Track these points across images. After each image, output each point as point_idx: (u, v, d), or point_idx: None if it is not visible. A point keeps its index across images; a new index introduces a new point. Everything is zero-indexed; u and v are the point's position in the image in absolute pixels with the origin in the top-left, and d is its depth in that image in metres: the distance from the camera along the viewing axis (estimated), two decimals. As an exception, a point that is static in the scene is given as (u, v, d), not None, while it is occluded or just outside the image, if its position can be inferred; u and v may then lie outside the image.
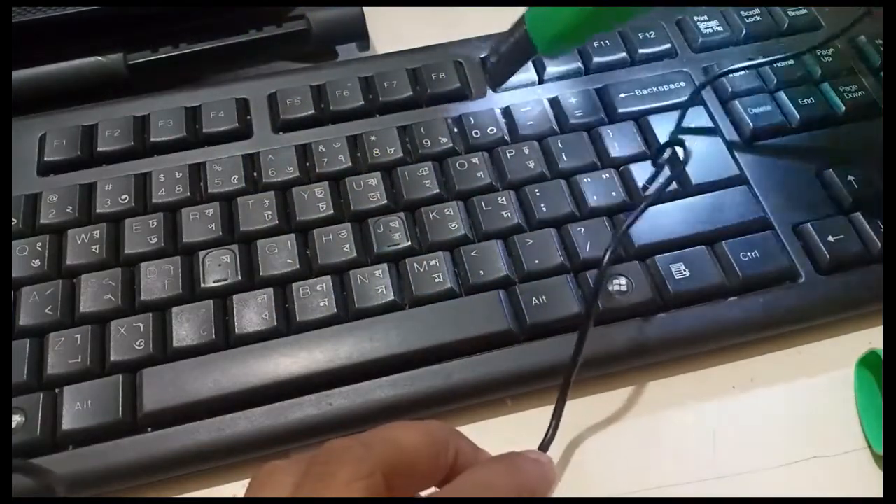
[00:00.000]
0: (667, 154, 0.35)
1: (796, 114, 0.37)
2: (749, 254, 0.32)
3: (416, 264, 0.32)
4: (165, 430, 0.29)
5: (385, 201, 0.34)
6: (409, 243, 0.33)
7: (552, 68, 0.39)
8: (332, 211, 0.34)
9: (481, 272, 0.32)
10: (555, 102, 0.38)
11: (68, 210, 0.34)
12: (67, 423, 0.29)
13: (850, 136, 0.36)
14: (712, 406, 0.31)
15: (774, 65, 0.38)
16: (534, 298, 0.31)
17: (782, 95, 0.38)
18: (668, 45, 0.40)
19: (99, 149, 0.36)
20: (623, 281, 0.32)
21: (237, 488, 0.30)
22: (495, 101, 0.38)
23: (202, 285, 0.32)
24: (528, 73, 0.39)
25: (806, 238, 0.33)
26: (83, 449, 0.29)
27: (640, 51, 0.40)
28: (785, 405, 0.31)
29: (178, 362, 0.30)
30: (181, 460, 0.29)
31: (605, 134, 0.36)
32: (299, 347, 0.31)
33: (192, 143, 0.37)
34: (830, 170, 0.35)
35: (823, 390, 0.32)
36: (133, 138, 0.37)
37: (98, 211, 0.34)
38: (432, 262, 0.32)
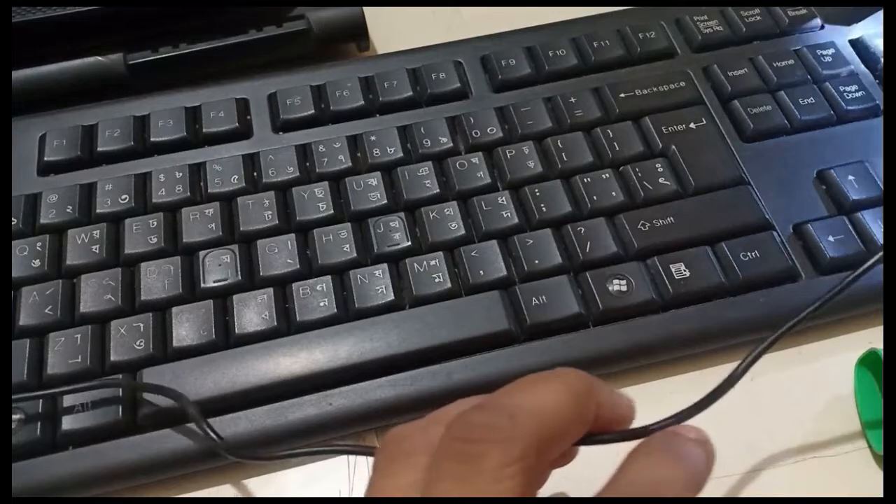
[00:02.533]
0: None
1: (796, 114, 0.37)
2: (749, 254, 0.32)
3: (416, 264, 0.32)
4: (165, 430, 0.29)
5: (385, 201, 0.34)
6: (409, 243, 0.33)
7: (551, 67, 0.39)
8: (332, 211, 0.34)
9: (481, 272, 0.32)
10: (554, 102, 0.38)
11: (68, 210, 0.34)
12: (67, 423, 0.29)
13: (850, 136, 0.36)
14: (712, 406, 0.31)
15: (774, 64, 0.38)
16: (534, 298, 0.31)
17: (782, 95, 0.38)
18: (668, 45, 0.40)
19: (99, 149, 0.36)
20: (623, 281, 0.32)
21: (237, 488, 0.30)
22: (495, 101, 0.38)
23: (202, 285, 0.32)
24: (525, 71, 0.39)
25: (806, 238, 0.33)
26: (83, 449, 0.29)
27: (640, 50, 0.40)
28: (785, 405, 0.31)
29: (178, 362, 0.30)
30: (181, 460, 0.29)
31: (605, 134, 0.36)
32: (299, 347, 0.31)
33: (192, 143, 0.37)
34: (830, 170, 0.35)
35: (823, 391, 0.32)
36: (133, 138, 0.37)
37: (98, 211, 0.34)
38: (432, 262, 0.32)
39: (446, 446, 0.19)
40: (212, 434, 0.28)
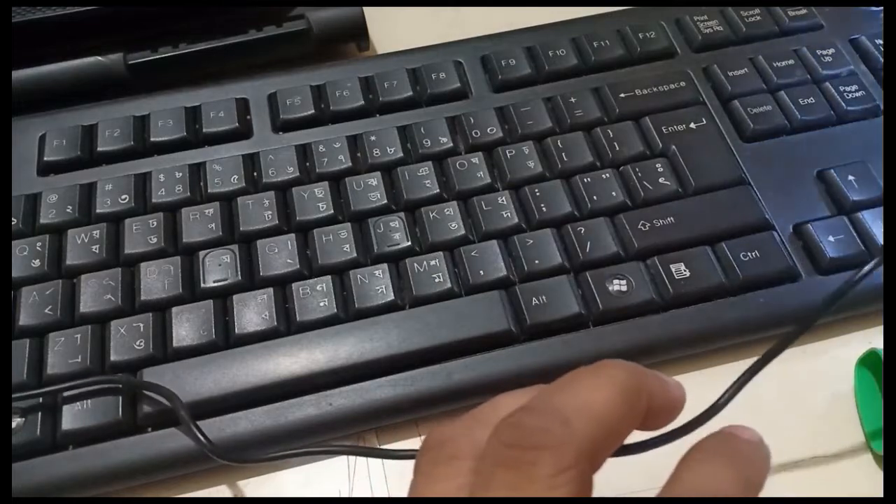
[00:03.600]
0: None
1: (796, 114, 0.37)
2: (749, 254, 0.32)
3: (416, 264, 0.32)
4: (165, 429, 0.29)
5: (385, 201, 0.34)
6: (409, 243, 0.33)
7: (551, 67, 0.39)
8: (332, 211, 0.34)
9: (481, 272, 0.32)
10: (554, 102, 0.38)
11: (68, 210, 0.34)
12: (67, 423, 0.29)
13: (850, 136, 0.36)
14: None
15: (774, 64, 0.39)
16: (534, 298, 0.31)
17: (782, 95, 0.38)
18: (668, 45, 0.40)
19: (99, 149, 0.36)
20: (623, 281, 0.32)
21: (237, 488, 0.30)
22: (495, 101, 0.38)
23: (202, 285, 0.32)
24: (525, 71, 0.39)
25: (806, 238, 0.33)
26: (83, 449, 0.29)
27: (640, 50, 0.40)
28: (785, 405, 0.31)
29: (178, 362, 0.30)
30: (181, 460, 0.29)
31: (605, 134, 0.36)
32: (299, 347, 0.31)
33: (192, 143, 0.37)
34: (830, 170, 0.35)
35: (823, 390, 0.32)
36: (133, 138, 0.37)
37: (98, 211, 0.34)
38: (432, 262, 0.32)
39: (496, 452, 0.18)
40: (201, 437, 0.28)
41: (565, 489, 0.17)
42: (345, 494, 0.30)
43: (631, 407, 0.20)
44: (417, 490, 0.20)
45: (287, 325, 0.32)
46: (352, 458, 0.31)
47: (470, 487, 0.18)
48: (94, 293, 0.32)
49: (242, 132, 0.37)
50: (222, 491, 0.30)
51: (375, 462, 0.30)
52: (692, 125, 0.37)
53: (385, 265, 0.32)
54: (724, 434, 0.21)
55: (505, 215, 0.34)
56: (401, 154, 0.36)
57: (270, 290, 0.32)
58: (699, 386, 0.32)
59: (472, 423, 0.20)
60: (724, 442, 0.21)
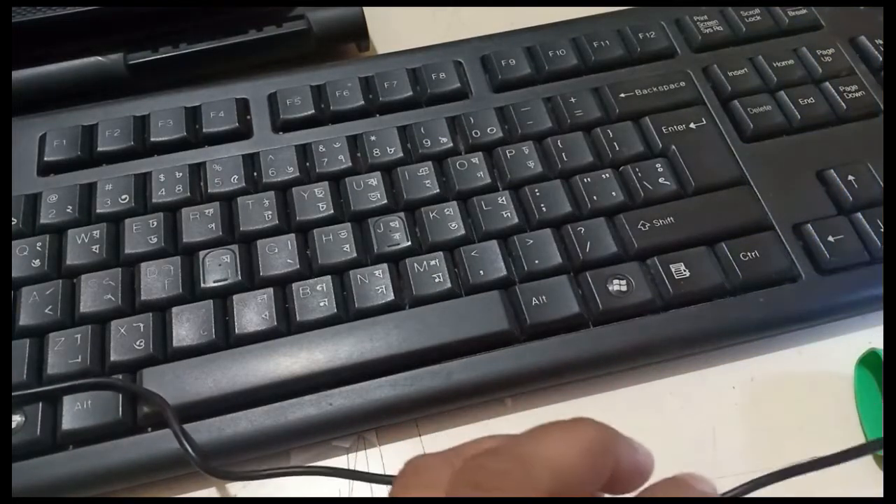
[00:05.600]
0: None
1: (796, 114, 0.37)
2: (749, 254, 0.32)
3: (416, 264, 0.32)
4: (165, 429, 0.29)
5: (385, 201, 0.34)
6: (409, 243, 0.33)
7: (551, 67, 0.39)
8: (332, 211, 0.34)
9: (481, 272, 0.32)
10: (554, 102, 0.38)
11: (68, 210, 0.34)
12: (67, 423, 0.29)
13: (850, 136, 0.36)
14: (712, 406, 0.32)
15: (774, 64, 0.39)
16: (534, 298, 0.31)
17: (782, 95, 0.38)
18: (668, 45, 0.40)
19: (99, 149, 0.36)
20: (623, 281, 0.32)
21: (237, 488, 0.30)
22: (495, 101, 0.38)
23: (202, 285, 0.32)
24: (525, 71, 0.39)
25: (806, 238, 0.33)
26: (83, 449, 0.29)
27: (640, 50, 0.40)
28: (785, 405, 0.31)
29: (178, 362, 0.30)
30: (181, 460, 0.29)
31: (605, 134, 0.36)
32: (299, 347, 0.31)
33: (192, 143, 0.37)
34: (830, 170, 0.35)
35: (823, 390, 0.32)
36: (133, 138, 0.37)
37: (98, 211, 0.34)
38: (432, 262, 0.32)
39: (456, 489, 0.19)
40: (187, 446, 0.28)
41: None
42: (345, 494, 0.30)
43: (594, 466, 0.20)
44: None
45: (287, 325, 0.32)
46: (352, 457, 0.31)
47: None
48: (94, 293, 0.32)
49: (242, 132, 0.37)
50: (222, 490, 0.30)
51: (375, 462, 0.31)
52: (692, 125, 0.37)
53: (385, 265, 0.32)
54: (678, 480, 0.21)
55: (505, 215, 0.34)
56: (401, 154, 0.36)
57: (270, 290, 0.32)
58: (699, 386, 0.32)
59: (453, 457, 0.21)
60: (676, 487, 0.21)
